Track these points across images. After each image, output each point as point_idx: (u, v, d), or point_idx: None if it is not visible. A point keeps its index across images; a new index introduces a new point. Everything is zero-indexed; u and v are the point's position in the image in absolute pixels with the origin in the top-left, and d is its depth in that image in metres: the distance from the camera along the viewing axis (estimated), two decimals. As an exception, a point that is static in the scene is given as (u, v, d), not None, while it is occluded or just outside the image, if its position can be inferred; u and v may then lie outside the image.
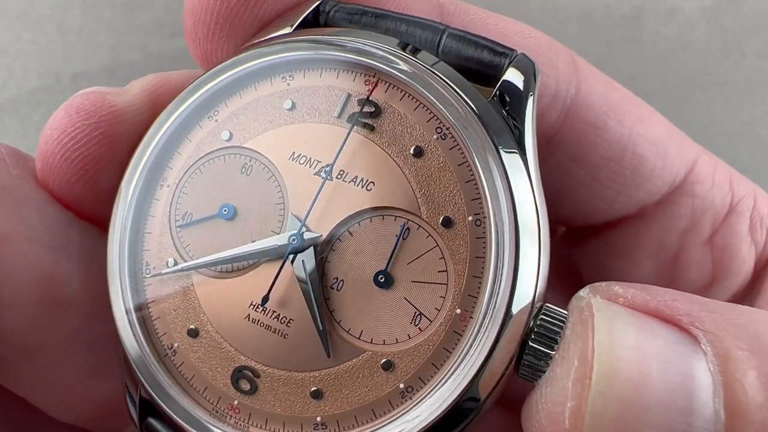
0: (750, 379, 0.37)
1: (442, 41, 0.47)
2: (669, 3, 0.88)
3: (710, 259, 0.56)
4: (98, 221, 0.51)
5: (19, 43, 0.90)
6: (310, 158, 0.47)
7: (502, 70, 0.46)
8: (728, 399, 0.37)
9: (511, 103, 0.46)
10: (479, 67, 0.47)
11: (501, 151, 0.44)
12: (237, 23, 0.50)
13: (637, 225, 0.56)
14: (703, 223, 0.55)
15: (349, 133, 0.46)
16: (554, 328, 0.42)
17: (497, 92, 0.46)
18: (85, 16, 0.90)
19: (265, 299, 0.46)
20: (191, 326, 0.47)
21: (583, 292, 0.42)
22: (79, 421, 0.53)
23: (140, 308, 0.48)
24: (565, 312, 0.42)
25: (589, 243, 0.59)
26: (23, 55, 0.90)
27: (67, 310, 0.48)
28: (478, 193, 0.44)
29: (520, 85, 0.46)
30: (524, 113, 0.45)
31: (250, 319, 0.46)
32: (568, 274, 0.57)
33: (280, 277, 0.46)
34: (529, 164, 0.44)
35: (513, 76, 0.46)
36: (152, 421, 0.47)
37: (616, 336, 0.39)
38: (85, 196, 0.50)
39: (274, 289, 0.46)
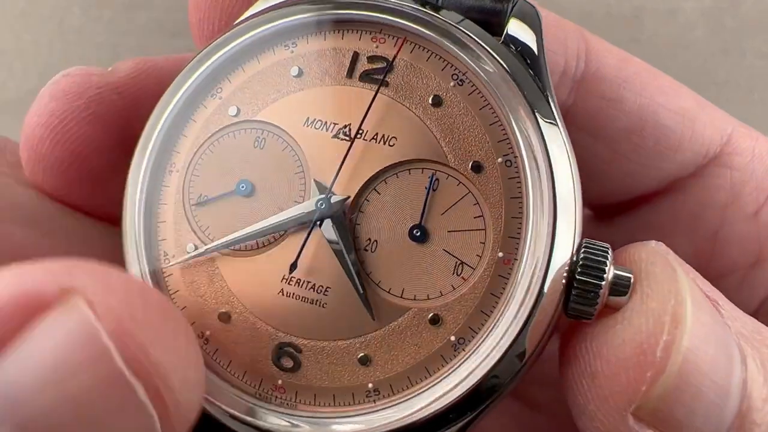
0: (757, 362, 0.40)
1: None
2: (669, 3, 0.88)
3: (756, 236, 0.54)
4: (93, 206, 0.50)
5: (19, 43, 0.90)
6: (326, 122, 0.46)
7: (505, 17, 0.46)
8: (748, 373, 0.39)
9: (521, 50, 0.45)
10: (482, 15, 0.46)
11: (524, 89, 0.43)
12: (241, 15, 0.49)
13: (671, 199, 0.55)
14: (744, 197, 0.53)
15: (375, 95, 0.46)
16: (599, 260, 0.41)
17: (504, 40, 0.46)
18: (85, 16, 0.90)
19: (293, 266, 0.45)
20: (222, 310, 0.46)
21: (653, 243, 0.43)
22: None
23: None
24: (606, 244, 0.42)
25: (619, 221, 0.58)
26: (23, 55, 0.90)
27: None
28: (505, 134, 0.43)
29: (529, 40, 0.46)
30: (537, 57, 0.45)
31: (284, 294, 0.45)
32: None
33: (311, 245, 0.45)
34: (551, 103, 0.44)
35: (517, 28, 0.46)
36: None
37: (694, 292, 0.40)
38: (79, 182, 0.49)
39: (304, 256, 0.45)
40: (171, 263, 0.47)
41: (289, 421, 0.44)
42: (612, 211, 0.58)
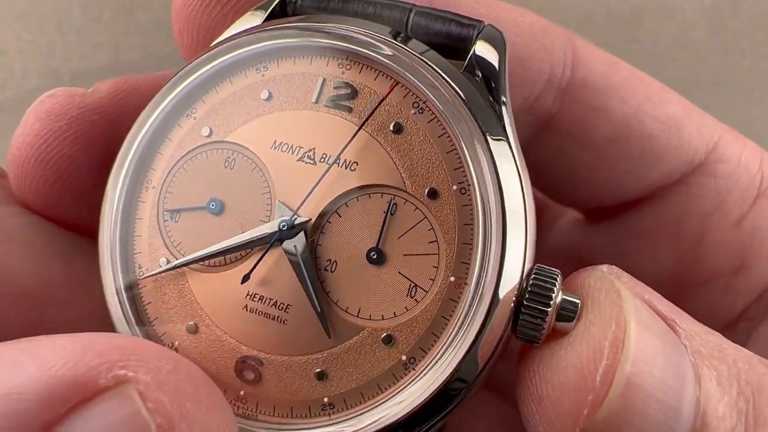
0: (713, 380, 0.40)
1: (410, 20, 0.49)
2: (669, 3, 0.88)
3: (738, 244, 0.54)
4: (78, 223, 0.51)
5: (19, 43, 0.90)
6: (292, 145, 0.47)
7: (471, 43, 0.48)
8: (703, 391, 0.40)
9: (483, 73, 0.47)
10: (449, 41, 0.48)
11: (478, 118, 0.45)
12: (219, 30, 0.50)
13: (656, 205, 0.55)
14: (728, 205, 0.54)
15: (322, 117, 0.47)
16: (547, 286, 0.43)
17: (468, 63, 0.47)
18: (85, 16, 0.90)
19: (246, 278, 0.47)
20: (190, 322, 0.48)
21: (604, 268, 0.44)
22: None
23: (137, 311, 0.48)
24: (556, 270, 0.44)
25: (605, 225, 0.58)
26: (23, 55, 0.90)
27: (26, 300, 0.48)
28: (461, 162, 0.45)
29: (492, 57, 0.47)
30: (499, 83, 0.47)
31: (248, 309, 0.47)
32: (580, 262, 0.58)
33: (274, 264, 0.47)
34: (507, 129, 0.46)
35: (482, 48, 0.47)
36: None
37: (639, 313, 0.41)
38: (62, 198, 0.50)
39: (265, 273, 0.47)
40: (144, 275, 0.48)
41: (250, 430, 0.46)
42: (599, 215, 0.59)
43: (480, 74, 0.47)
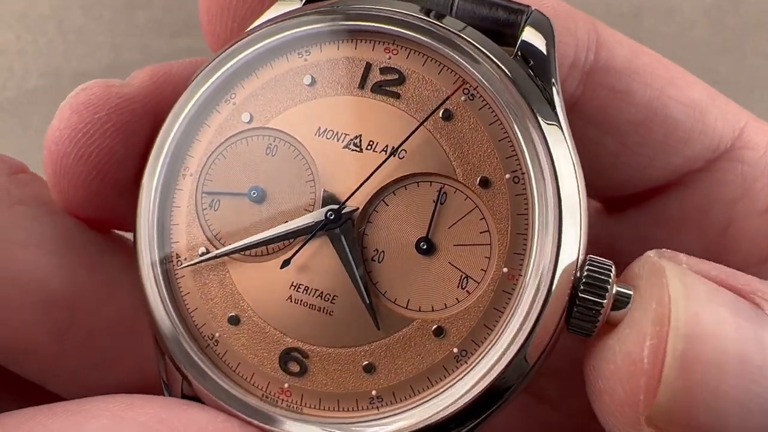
0: None
1: (455, 2, 0.47)
2: (669, 2, 0.88)
3: (766, 232, 0.53)
4: (120, 218, 0.50)
5: (19, 43, 0.90)
6: (337, 132, 0.46)
7: (519, 29, 0.46)
8: None
9: (534, 62, 0.46)
10: (495, 26, 0.46)
11: (532, 104, 0.44)
12: (253, 17, 0.49)
13: (680, 192, 0.54)
14: (754, 192, 0.52)
15: (368, 103, 0.46)
16: (602, 278, 0.42)
17: (518, 52, 0.46)
18: (85, 16, 0.90)
19: (286, 262, 0.45)
20: (231, 314, 0.46)
21: (651, 253, 0.42)
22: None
23: (175, 301, 0.47)
24: (609, 262, 0.42)
25: (628, 213, 0.57)
26: (23, 55, 0.90)
27: (54, 308, 0.48)
28: (513, 151, 0.44)
29: (540, 43, 0.46)
30: (549, 70, 0.45)
31: (293, 300, 0.45)
32: (604, 252, 0.58)
33: (320, 254, 0.45)
34: (558, 114, 0.44)
35: (530, 35, 0.46)
36: None
37: (690, 288, 0.39)
38: (104, 194, 0.49)
39: (311, 263, 0.45)
40: (183, 265, 0.47)
41: (295, 424, 0.44)
42: (621, 204, 0.57)
43: (529, 61, 0.46)
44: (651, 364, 0.37)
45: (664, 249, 0.43)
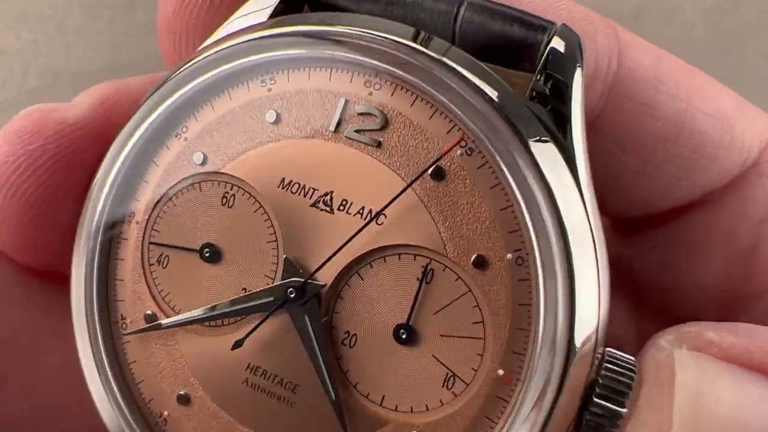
0: None
1: (460, 14, 0.39)
2: (669, 2, 0.88)
3: None
4: (58, 264, 0.44)
5: (19, 43, 0.90)
6: (304, 186, 0.39)
7: (539, 49, 0.38)
8: None
9: (554, 93, 0.38)
10: (509, 45, 0.38)
11: (540, 164, 0.36)
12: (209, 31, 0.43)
13: (705, 212, 0.48)
14: None
15: (342, 152, 0.38)
16: (623, 380, 0.35)
17: (535, 82, 0.38)
18: (85, 16, 0.90)
19: (238, 344, 0.39)
20: (181, 392, 0.40)
21: (665, 341, 0.36)
22: None
23: (120, 371, 0.41)
24: (632, 359, 0.35)
25: (646, 235, 0.52)
26: (23, 55, 0.90)
27: None
28: (518, 224, 0.36)
29: (569, 70, 0.38)
30: (571, 104, 0.37)
31: (249, 384, 0.39)
32: (618, 274, 0.50)
33: (280, 335, 0.39)
34: (580, 174, 0.37)
35: (554, 58, 0.38)
36: None
37: (704, 399, 0.34)
38: (42, 236, 0.43)
39: (272, 347, 0.39)
40: (128, 330, 0.41)
41: None
42: (639, 225, 0.52)
43: (549, 94, 0.38)
44: None
45: (688, 327, 0.37)
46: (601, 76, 0.44)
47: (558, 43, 0.38)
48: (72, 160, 0.42)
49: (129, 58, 0.90)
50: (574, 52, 0.38)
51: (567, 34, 0.38)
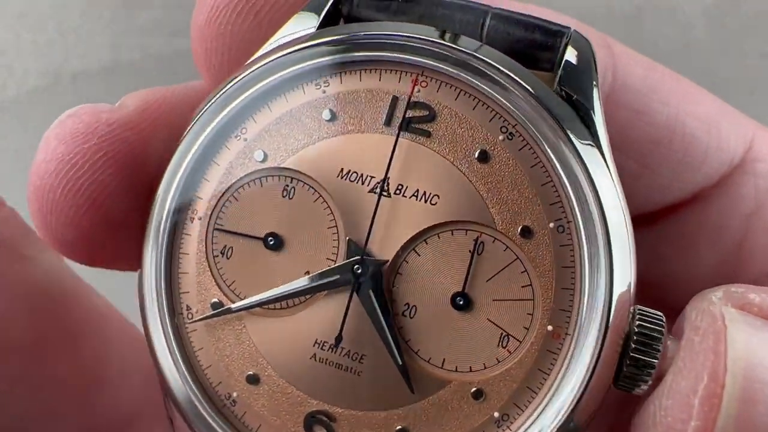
0: None
1: (486, 23, 0.43)
2: (669, 3, 0.88)
3: None
4: (112, 256, 0.47)
5: (19, 43, 0.89)
6: (362, 174, 0.42)
7: (558, 52, 0.42)
8: None
9: (577, 88, 0.42)
10: (531, 49, 0.43)
11: (576, 143, 0.40)
12: (253, 46, 0.46)
13: (695, 210, 0.52)
14: None
15: (396, 142, 0.42)
16: (654, 334, 0.39)
17: (560, 78, 0.42)
18: (85, 16, 0.90)
19: (339, 339, 0.42)
20: (250, 372, 0.43)
21: (716, 297, 0.39)
22: None
23: (187, 358, 0.43)
24: (660, 314, 0.39)
25: (641, 232, 0.53)
26: (23, 55, 0.90)
27: (10, 354, 0.45)
28: (558, 196, 0.41)
29: (582, 66, 0.42)
30: (592, 98, 0.42)
31: (317, 359, 0.42)
32: None
33: (344, 309, 0.42)
34: (605, 154, 0.41)
35: (571, 56, 0.42)
36: None
37: (754, 354, 0.36)
38: (95, 230, 0.45)
39: (339, 322, 0.42)
40: (194, 319, 0.44)
41: None
42: (636, 222, 0.55)
43: (570, 90, 0.42)
44: (703, 421, 0.35)
45: (735, 288, 0.39)
46: (600, 88, 0.47)
47: (571, 55, 0.42)
48: (122, 159, 0.45)
49: (129, 58, 0.90)
50: (589, 62, 0.43)
51: (579, 42, 0.43)
